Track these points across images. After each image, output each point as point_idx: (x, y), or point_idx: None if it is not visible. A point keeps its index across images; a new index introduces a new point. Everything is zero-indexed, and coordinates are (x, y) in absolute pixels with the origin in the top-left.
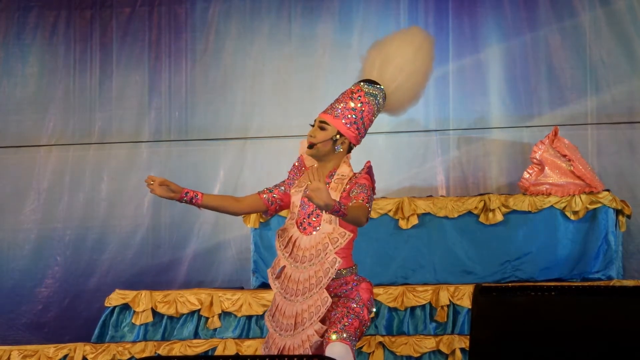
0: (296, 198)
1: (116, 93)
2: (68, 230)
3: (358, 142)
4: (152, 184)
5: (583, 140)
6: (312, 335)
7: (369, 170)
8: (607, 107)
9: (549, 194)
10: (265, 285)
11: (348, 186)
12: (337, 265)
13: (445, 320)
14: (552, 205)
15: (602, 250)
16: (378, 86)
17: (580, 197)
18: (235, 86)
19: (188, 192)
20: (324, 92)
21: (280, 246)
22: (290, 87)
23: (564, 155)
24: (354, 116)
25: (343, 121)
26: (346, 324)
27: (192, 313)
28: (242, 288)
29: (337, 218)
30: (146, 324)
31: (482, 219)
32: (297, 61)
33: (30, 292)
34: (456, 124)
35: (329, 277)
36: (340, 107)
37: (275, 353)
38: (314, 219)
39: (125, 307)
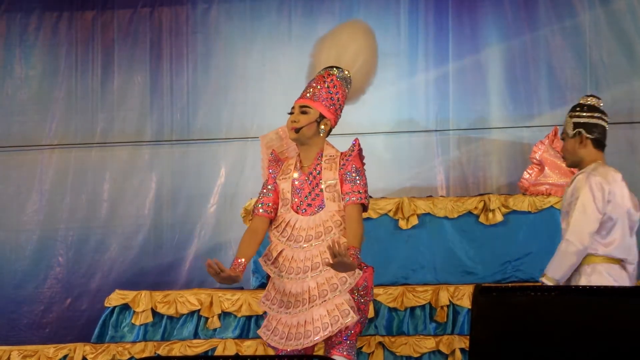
0: (285, 185)
1: (118, 94)
2: (70, 231)
3: (336, 123)
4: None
5: None
6: (341, 304)
7: (360, 152)
8: (607, 107)
9: (549, 194)
10: (265, 286)
11: (342, 164)
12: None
13: (445, 320)
14: (552, 206)
15: None
16: (344, 69)
17: None
18: (236, 87)
19: (236, 267)
20: None
21: (275, 233)
22: (291, 87)
23: None
24: (331, 98)
25: (323, 103)
26: (348, 334)
27: (192, 313)
28: (242, 288)
29: (339, 194)
30: (146, 324)
31: (482, 219)
32: (297, 61)
33: (32, 292)
34: (456, 124)
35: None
36: (317, 91)
37: (287, 331)
38: (313, 199)
39: (125, 307)
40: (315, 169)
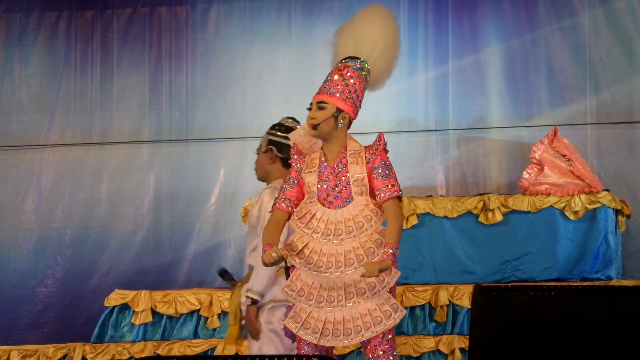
0: (311, 178)
1: (117, 93)
2: (69, 230)
3: (356, 115)
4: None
5: (583, 140)
6: (382, 304)
7: (385, 146)
8: (606, 107)
9: (549, 194)
10: None
11: (368, 158)
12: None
13: (445, 320)
14: (551, 205)
15: (602, 250)
16: (361, 59)
17: (579, 197)
18: (236, 86)
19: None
20: None
21: (299, 224)
22: (290, 87)
23: (564, 155)
24: (348, 91)
25: (339, 96)
26: (389, 338)
27: (192, 313)
28: None
29: (367, 188)
30: (145, 324)
31: (481, 218)
32: (297, 61)
33: (31, 292)
34: (456, 123)
35: (384, 251)
36: (332, 85)
37: (320, 326)
38: (340, 192)
39: (125, 307)
40: (340, 162)
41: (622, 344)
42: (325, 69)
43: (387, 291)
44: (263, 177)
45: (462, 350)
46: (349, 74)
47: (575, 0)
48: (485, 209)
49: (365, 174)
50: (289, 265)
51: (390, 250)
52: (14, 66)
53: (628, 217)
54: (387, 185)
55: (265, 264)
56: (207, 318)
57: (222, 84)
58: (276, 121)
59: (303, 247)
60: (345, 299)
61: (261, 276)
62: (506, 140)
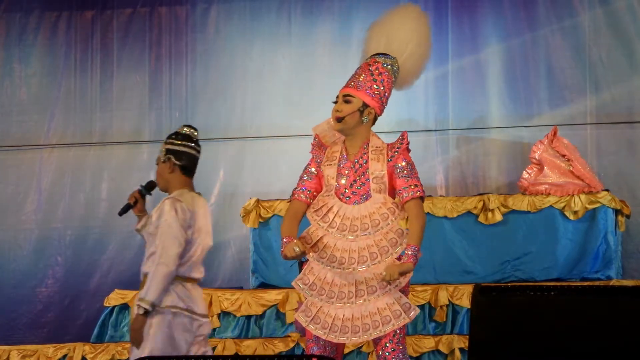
0: (330, 171)
1: (117, 93)
2: (69, 231)
3: (382, 112)
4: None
5: (582, 140)
6: (393, 304)
7: (408, 146)
8: (606, 107)
9: (548, 194)
10: (264, 285)
11: (390, 156)
12: (406, 237)
13: (445, 320)
14: (551, 205)
15: (602, 250)
16: (391, 57)
17: (579, 197)
18: (235, 86)
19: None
20: (324, 92)
21: (315, 217)
22: (290, 87)
23: (563, 155)
24: (375, 87)
25: (366, 91)
26: (396, 331)
27: None
28: (241, 288)
29: (386, 186)
30: None
31: (481, 218)
32: (297, 61)
33: (31, 292)
34: (455, 123)
35: (398, 250)
36: (360, 79)
37: (330, 322)
38: (358, 188)
39: (125, 307)
40: (361, 157)
41: (622, 344)
42: (325, 69)
43: (399, 290)
44: (164, 187)
45: (461, 350)
46: (377, 69)
47: (575, 0)
48: (485, 209)
49: (386, 172)
50: (304, 259)
51: (411, 252)
52: (14, 66)
53: (628, 217)
54: (410, 185)
55: (287, 258)
56: None
57: (222, 84)
58: (276, 121)
59: (317, 241)
60: (355, 296)
61: (155, 286)
62: (506, 140)
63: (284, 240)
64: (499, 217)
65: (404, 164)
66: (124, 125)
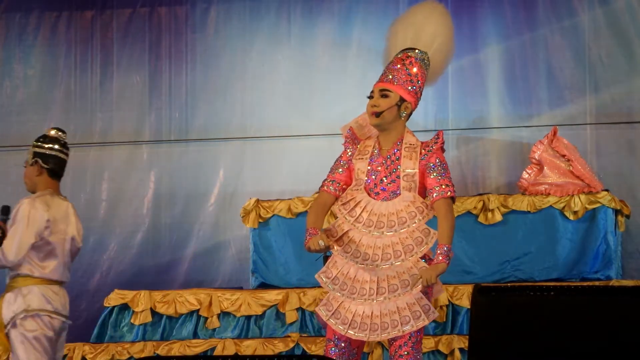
0: (361, 165)
1: (117, 94)
2: None
3: (416, 106)
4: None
5: (582, 140)
6: (413, 304)
7: (443, 145)
8: (606, 107)
9: (548, 194)
10: (264, 285)
11: (424, 154)
12: (432, 237)
13: (445, 320)
14: (551, 205)
15: (601, 250)
16: (422, 51)
17: (579, 197)
18: (235, 86)
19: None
20: (324, 92)
21: (342, 211)
22: (290, 87)
23: (563, 155)
24: (410, 80)
25: (403, 86)
26: (415, 340)
27: (191, 313)
28: (241, 288)
29: (417, 185)
30: (145, 324)
31: (481, 219)
32: (296, 61)
33: None
34: (455, 123)
35: (423, 249)
36: (395, 73)
37: (350, 318)
38: (388, 184)
39: (124, 307)
40: (394, 154)
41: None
42: (325, 69)
43: (421, 291)
44: (32, 189)
45: (461, 350)
46: (411, 64)
47: (575, 0)
48: (485, 209)
49: (417, 171)
50: (329, 254)
51: (444, 252)
52: (13, 66)
53: (627, 217)
54: (441, 185)
55: (310, 250)
56: (206, 318)
57: (221, 84)
58: (276, 121)
59: (343, 234)
60: (376, 294)
61: None
62: (506, 140)
63: (310, 231)
64: (498, 217)
65: (437, 163)
66: (124, 126)
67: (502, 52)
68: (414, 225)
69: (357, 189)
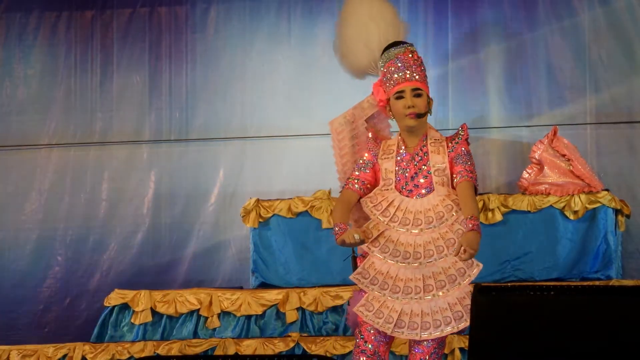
0: (388, 165)
1: (117, 93)
2: (69, 231)
3: None
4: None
5: (582, 140)
6: (455, 305)
7: (467, 138)
8: (606, 107)
9: (548, 194)
10: (264, 285)
11: (451, 147)
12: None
13: None
14: (551, 205)
15: (602, 250)
16: (408, 43)
17: (579, 197)
18: (235, 86)
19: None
20: (324, 92)
21: (375, 212)
22: (290, 87)
23: (563, 155)
24: (425, 76)
25: (425, 82)
26: (437, 355)
27: (192, 313)
28: (241, 288)
29: (449, 179)
30: (145, 324)
31: (481, 218)
32: (296, 61)
33: (31, 292)
34: (455, 123)
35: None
36: (418, 71)
37: (394, 317)
38: (421, 181)
39: (125, 307)
40: (421, 149)
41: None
42: (325, 69)
43: (468, 284)
44: None
45: (461, 350)
46: (418, 59)
47: (575, 0)
48: (485, 208)
49: (447, 164)
50: (357, 254)
51: (474, 221)
52: (13, 66)
53: (628, 217)
54: (465, 170)
55: (344, 244)
56: (206, 318)
57: (221, 84)
58: (276, 121)
59: (378, 235)
60: (423, 291)
61: None
62: (506, 140)
63: (340, 226)
64: (499, 217)
65: (462, 152)
66: (124, 126)
67: (502, 52)
68: (452, 218)
69: (387, 189)
